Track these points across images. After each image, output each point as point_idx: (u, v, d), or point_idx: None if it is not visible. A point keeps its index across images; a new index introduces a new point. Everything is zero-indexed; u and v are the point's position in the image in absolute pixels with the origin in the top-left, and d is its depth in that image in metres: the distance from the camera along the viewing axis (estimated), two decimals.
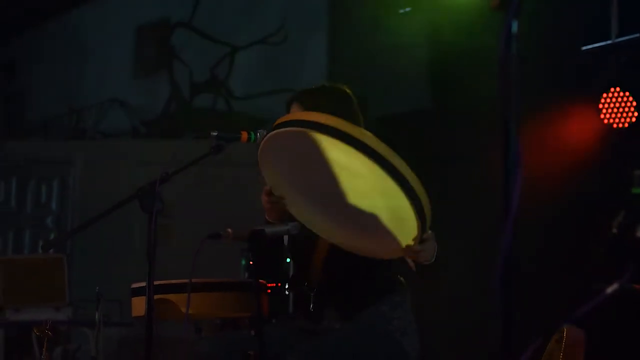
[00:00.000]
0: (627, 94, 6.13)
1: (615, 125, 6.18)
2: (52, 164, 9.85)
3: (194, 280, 3.47)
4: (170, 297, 3.87)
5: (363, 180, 3.17)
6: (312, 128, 3.10)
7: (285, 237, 3.69)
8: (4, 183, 9.80)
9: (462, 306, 6.78)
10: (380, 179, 3.06)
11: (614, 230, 2.28)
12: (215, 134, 3.56)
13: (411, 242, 3.19)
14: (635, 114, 6.11)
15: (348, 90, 3.83)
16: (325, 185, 3.30)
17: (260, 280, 3.69)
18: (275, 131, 3.25)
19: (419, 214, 3.09)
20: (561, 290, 5.57)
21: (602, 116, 6.22)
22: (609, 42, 6.24)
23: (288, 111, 3.82)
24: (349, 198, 3.29)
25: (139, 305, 3.94)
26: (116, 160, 9.73)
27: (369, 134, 3.07)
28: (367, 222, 3.27)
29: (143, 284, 3.57)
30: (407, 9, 7.78)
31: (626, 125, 6.14)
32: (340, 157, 3.14)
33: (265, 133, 3.68)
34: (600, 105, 6.23)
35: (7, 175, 9.80)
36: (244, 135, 3.65)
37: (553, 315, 2.21)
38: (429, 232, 3.23)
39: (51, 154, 9.93)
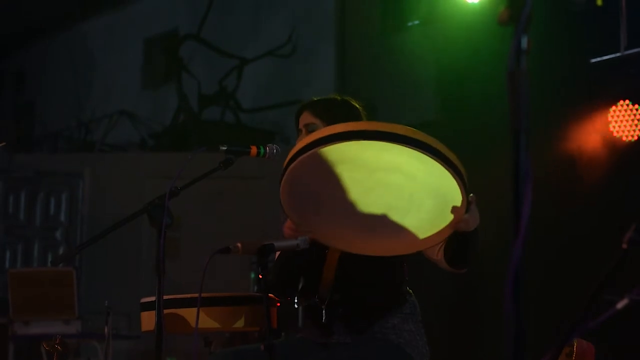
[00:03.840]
0: (636, 106, 6.13)
1: (624, 138, 6.18)
2: (61, 176, 9.87)
3: (203, 294, 3.46)
4: (180, 311, 3.87)
5: (399, 173, 3.21)
6: (335, 139, 3.11)
7: None
8: (13, 195, 9.82)
9: (472, 318, 6.76)
10: (413, 158, 3.11)
11: (624, 245, 2.27)
12: (224, 148, 3.55)
13: (452, 216, 3.24)
14: None
15: (358, 106, 3.83)
16: (349, 198, 3.33)
17: (270, 294, 3.69)
18: (294, 163, 3.24)
19: (459, 177, 3.13)
20: (571, 304, 5.56)
21: (611, 129, 6.22)
22: (618, 54, 6.24)
23: (297, 120, 3.81)
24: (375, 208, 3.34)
25: (148, 320, 3.94)
26: (125, 172, 9.74)
27: (392, 124, 3.12)
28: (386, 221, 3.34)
29: (152, 298, 3.56)
30: (416, 22, 7.79)
31: (635, 137, 6.14)
32: (371, 157, 3.18)
33: (274, 149, 3.69)
34: (610, 118, 6.22)
35: (16, 187, 9.82)
36: (253, 149, 3.65)
37: (563, 329, 2.21)
38: (471, 195, 3.28)
39: (60, 167, 9.96)
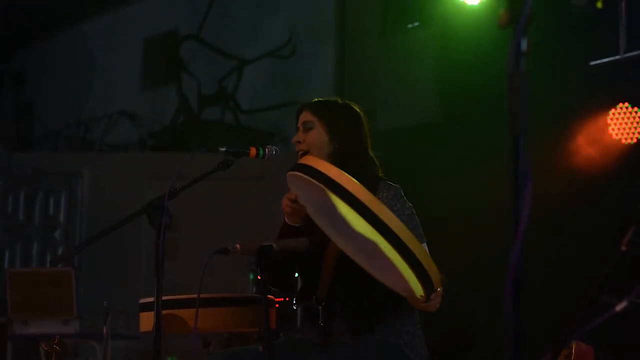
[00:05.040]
0: (636, 109, 6.13)
1: (623, 141, 6.18)
2: (61, 176, 9.87)
3: (202, 295, 3.47)
4: (179, 312, 3.87)
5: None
6: (336, 192, 3.12)
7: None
8: (13, 195, 9.81)
9: (471, 318, 6.76)
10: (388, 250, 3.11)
11: (623, 248, 2.27)
12: (223, 149, 3.56)
13: (418, 297, 3.23)
14: None
15: (359, 110, 3.85)
16: (339, 222, 3.32)
17: (268, 295, 3.69)
18: (300, 173, 3.25)
19: (427, 290, 3.14)
20: (570, 306, 5.56)
21: (610, 131, 6.22)
22: (617, 57, 6.24)
23: (297, 118, 3.82)
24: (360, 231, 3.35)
25: (147, 320, 3.94)
26: (124, 172, 9.74)
27: (393, 217, 3.09)
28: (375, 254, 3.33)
29: (151, 299, 3.57)
30: (416, 24, 7.79)
31: (634, 140, 6.14)
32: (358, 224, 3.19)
33: (274, 150, 3.69)
34: (609, 121, 6.23)
35: (15, 187, 9.81)
36: (253, 150, 3.65)
37: (562, 331, 2.22)
38: (439, 289, 3.26)
39: (59, 166, 9.95)
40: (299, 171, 3.24)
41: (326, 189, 3.13)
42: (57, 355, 4.34)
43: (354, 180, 3.11)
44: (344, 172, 3.14)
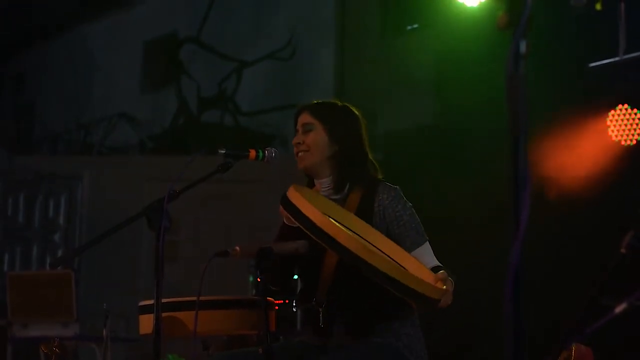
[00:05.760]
0: (635, 110, 6.13)
1: (623, 142, 6.18)
2: (60, 179, 9.86)
3: (201, 297, 3.46)
4: (178, 314, 3.87)
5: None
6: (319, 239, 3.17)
7: None
8: (12, 198, 9.81)
9: (471, 320, 6.76)
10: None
11: (622, 250, 2.28)
12: (223, 151, 3.55)
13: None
14: None
15: (357, 112, 3.84)
16: None
17: (268, 298, 3.69)
18: (294, 219, 3.32)
19: (433, 307, 3.27)
20: (570, 308, 5.55)
21: (610, 133, 6.22)
22: (617, 59, 6.23)
23: (296, 120, 3.82)
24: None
25: (146, 323, 3.93)
26: (124, 175, 9.73)
27: (383, 259, 3.19)
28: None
29: (151, 301, 3.56)
30: (415, 26, 7.79)
31: (634, 142, 6.13)
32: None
33: (273, 152, 3.69)
34: (608, 122, 6.22)
35: (15, 190, 9.81)
36: (252, 153, 3.65)
37: (561, 333, 2.22)
38: (450, 289, 3.32)
39: (59, 169, 9.95)
40: (290, 212, 3.30)
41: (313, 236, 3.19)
42: (57, 357, 4.34)
43: (343, 229, 3.18)
44: (327, 219, 3.21)
